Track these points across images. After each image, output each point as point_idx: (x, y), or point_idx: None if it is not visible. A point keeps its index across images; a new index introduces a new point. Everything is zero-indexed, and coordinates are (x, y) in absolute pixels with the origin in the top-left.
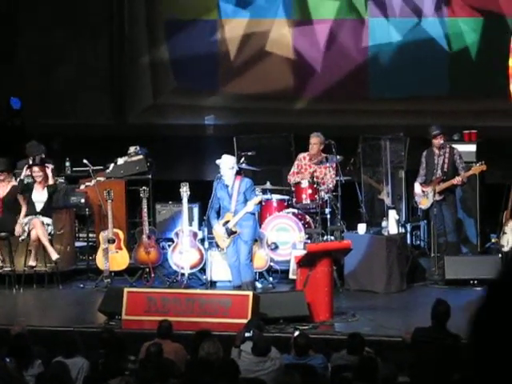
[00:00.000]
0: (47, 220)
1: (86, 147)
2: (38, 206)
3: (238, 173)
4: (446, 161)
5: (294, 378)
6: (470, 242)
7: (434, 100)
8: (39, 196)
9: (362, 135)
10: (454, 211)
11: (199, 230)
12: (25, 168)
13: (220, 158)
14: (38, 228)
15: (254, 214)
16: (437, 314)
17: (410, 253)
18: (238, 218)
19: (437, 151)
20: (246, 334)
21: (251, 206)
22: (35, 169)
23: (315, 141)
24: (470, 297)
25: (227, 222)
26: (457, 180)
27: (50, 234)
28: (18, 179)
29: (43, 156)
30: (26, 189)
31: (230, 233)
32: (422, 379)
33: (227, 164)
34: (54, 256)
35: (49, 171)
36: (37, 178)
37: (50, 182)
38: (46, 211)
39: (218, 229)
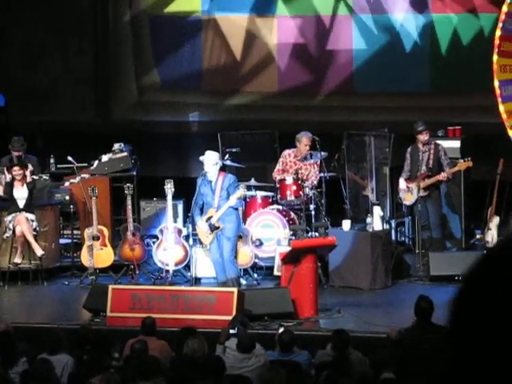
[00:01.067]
0: (31, 216)
1: (70, 144)
2: (21, 203)
3: (222, 169)
4: (431, 157)
5: (279, 374)
6: (454, 238)
7: (418, 96)
8: (20, 193)
9: (347, 131)
10: (439, 207)
11: (184, 226)
12: (5, 170)
13: (204, 154)
14: (22, 224)
15: (236, 209)
16: (420, 310)
17: (395, 249)
18: (220, 213)
19: (421, 147)
20: (231, 331)
21: (233, 200)
22: (15, 168)
23: (308, 142)
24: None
25: (210, 217)
26: (442, 176)
27: (35, 230)
28: (5, 182)
29: (22, 153)
30: (9, 189)
31: (213, 228)
32: (412, 376)
33: (211, 160)
34: (39, 252)
35: (27, 172)
36: (17, 176)
37: (28, 179)
38: (29, 207)
39: (202, 225)
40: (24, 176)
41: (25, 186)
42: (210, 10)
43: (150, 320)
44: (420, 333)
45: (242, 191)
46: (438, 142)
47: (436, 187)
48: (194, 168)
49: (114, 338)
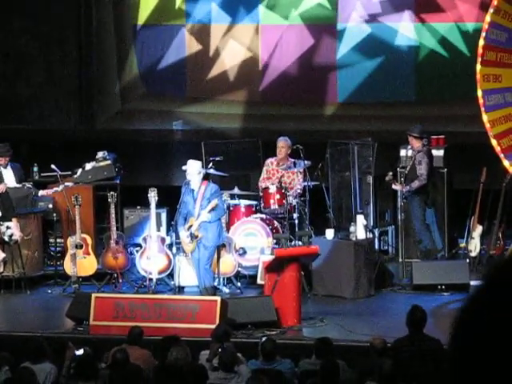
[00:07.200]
0: (8, 224)
1: (53, 152)
2: None
3: (206, 177)
4: (411, 163)
5: (262, 382)
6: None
7: (401, 105)
8: None
9: (330, 140)
10: (420, 213)
11: (167, 235)
12: None
13: (187, 163)
14: None
15: (219, 219)
16: (413, 320)
17: (378, 258)
18: (198, 223)
19: (413, 152)
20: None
21: (205, 214)
22: None
23: (282, 144)
24: (437, 302)
25: (191, 226)
26: (396, 186)
27: (10, 237)
28: None
29: (7, 160)
30: None
31: (193, 237)
32: None
33: (194, 169)
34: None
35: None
36: None
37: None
38: (5, 217)
39: (183, 234)
40: None
41: None
42: (195, 19)
43: (137, 330)
44: (412, 343)
45: (213, 202)
46: (434, 151)
47: (415, 194)
48: (177, 176)
49: (97, 346)
